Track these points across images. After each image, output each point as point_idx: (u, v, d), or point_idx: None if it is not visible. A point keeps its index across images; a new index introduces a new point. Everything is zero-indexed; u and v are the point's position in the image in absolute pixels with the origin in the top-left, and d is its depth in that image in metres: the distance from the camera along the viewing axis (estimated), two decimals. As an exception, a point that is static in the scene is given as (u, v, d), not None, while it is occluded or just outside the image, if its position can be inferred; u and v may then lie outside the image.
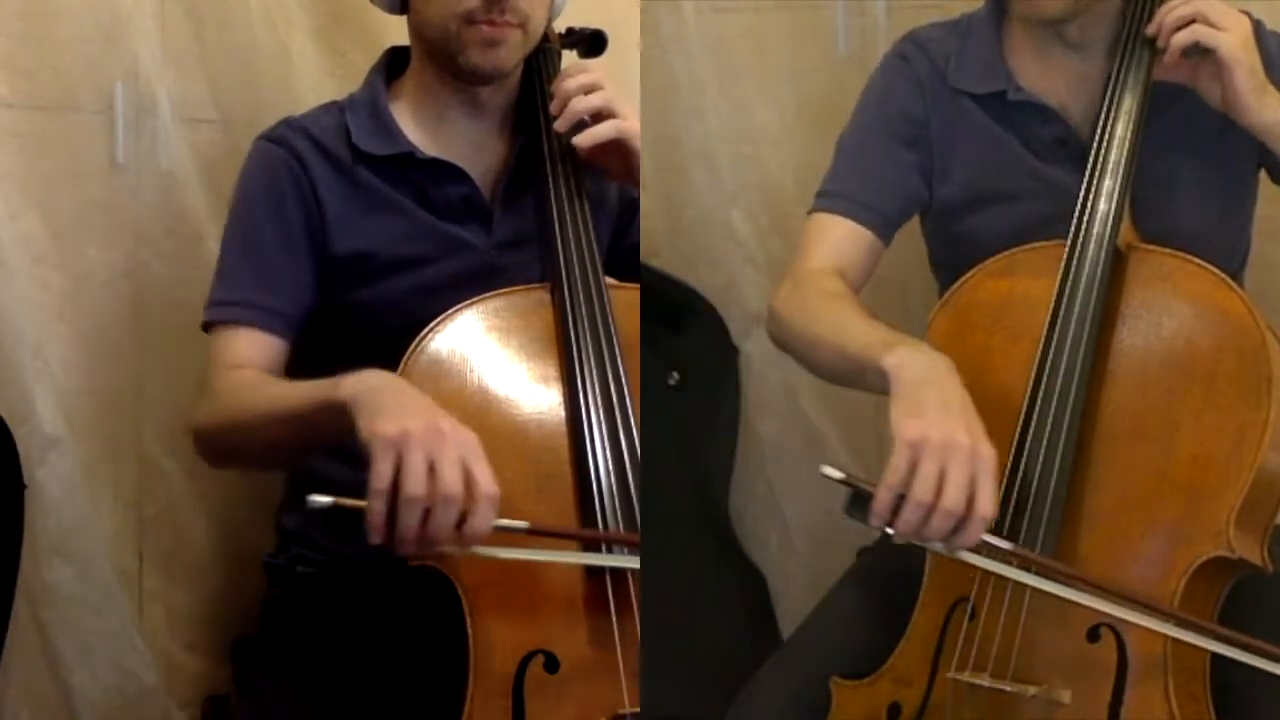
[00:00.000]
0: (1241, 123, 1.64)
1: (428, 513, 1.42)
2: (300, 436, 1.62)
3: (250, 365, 1.73)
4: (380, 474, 1.42)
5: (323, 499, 1.44)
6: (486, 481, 1.44)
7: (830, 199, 1.80)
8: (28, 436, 1.88)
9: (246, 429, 1.67)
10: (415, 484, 1.42)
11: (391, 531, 1.43)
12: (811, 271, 1.76)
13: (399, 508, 1.42)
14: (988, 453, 1.45)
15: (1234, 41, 1.62)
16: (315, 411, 1.56)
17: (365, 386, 1.51)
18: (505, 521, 1.46)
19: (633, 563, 1.54)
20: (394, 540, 1.43)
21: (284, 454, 1.73)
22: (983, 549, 1.49)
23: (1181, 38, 1.63)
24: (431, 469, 1.42)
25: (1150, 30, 1.67)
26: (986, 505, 1.44)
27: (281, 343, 1.76)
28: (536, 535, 1.50)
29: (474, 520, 1.44)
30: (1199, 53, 1.64)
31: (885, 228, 1.80)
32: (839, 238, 1.78)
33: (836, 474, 1.47)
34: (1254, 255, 1.84)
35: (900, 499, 1.43)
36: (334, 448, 1.71)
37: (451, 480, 1.42)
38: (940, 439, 1.43)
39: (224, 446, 1.73)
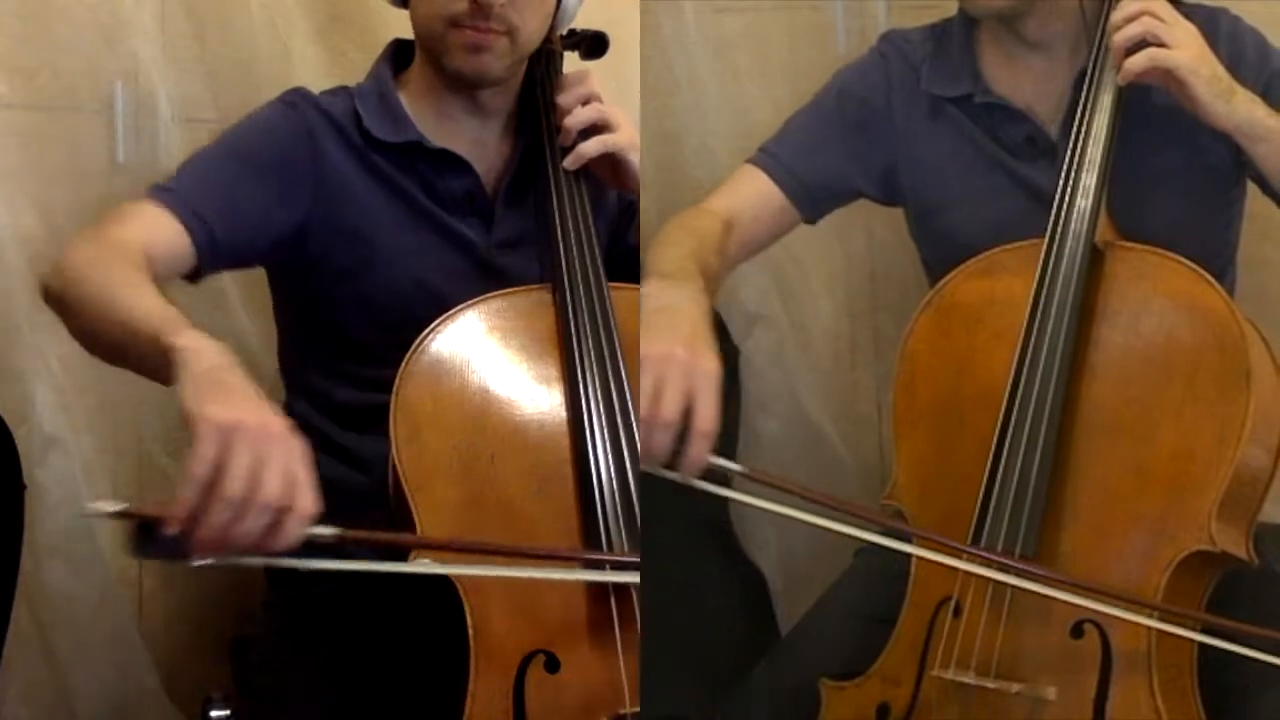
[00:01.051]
0: (1211, 126, 1.63)
1: (235, 519, 1.29)
2: (122, 345, 1.49)
3: (148, 241, 1.61)
4: (203, 459, 1.28)
5: (109, 505, 1.30)
6: (307, 498, 1.32)
7: (759, 154, 1.85)
8: (28, 436, 1.89)
9: (90, 305, 1.52)
10: (236, 484, 1.28)
11: (190, 527, 1.28)
12: (698, 209, 1.79)
13: (208, 505, 1.28)
14: None
15: (1187, 58, 1.61)
16: (143, 337, 1.43)
17: (204, 361, 1.37)
18: (314, 530, 1.33)
19: (630, 578, 1.53)
20: (188, 538, 1.28)
21: (106, 350, 1.56)
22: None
23: (1135, 64, 1.62)
24: (255, 472, 1.29)
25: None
26: None
27: (191, 251, 1.65)
28: (346, 542, 1.38)
29: (284, 531, 1.30)
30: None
31: (803, 197, 1.83)
32: (749, 189, 1.82)
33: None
34: (1251, 256, 1.83)
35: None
36: (337, 449, 1.72)
37: (273, 490, 1.29)
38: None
39: (66, 303, 1.57)
